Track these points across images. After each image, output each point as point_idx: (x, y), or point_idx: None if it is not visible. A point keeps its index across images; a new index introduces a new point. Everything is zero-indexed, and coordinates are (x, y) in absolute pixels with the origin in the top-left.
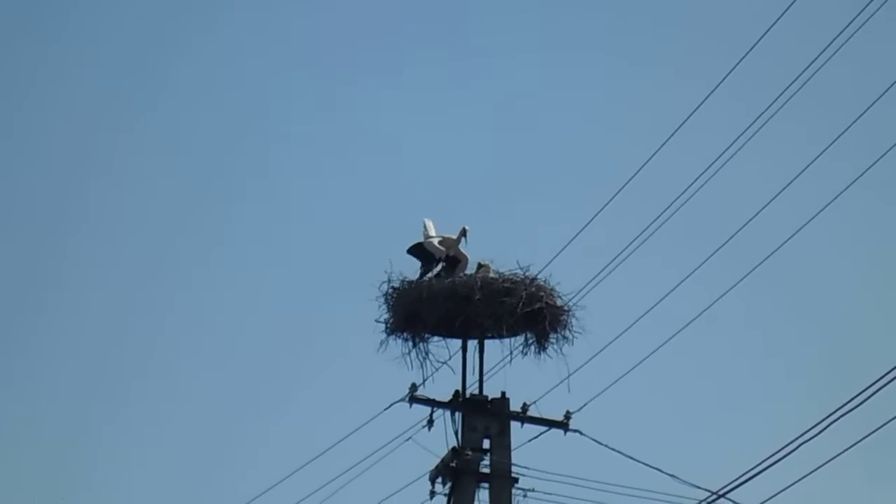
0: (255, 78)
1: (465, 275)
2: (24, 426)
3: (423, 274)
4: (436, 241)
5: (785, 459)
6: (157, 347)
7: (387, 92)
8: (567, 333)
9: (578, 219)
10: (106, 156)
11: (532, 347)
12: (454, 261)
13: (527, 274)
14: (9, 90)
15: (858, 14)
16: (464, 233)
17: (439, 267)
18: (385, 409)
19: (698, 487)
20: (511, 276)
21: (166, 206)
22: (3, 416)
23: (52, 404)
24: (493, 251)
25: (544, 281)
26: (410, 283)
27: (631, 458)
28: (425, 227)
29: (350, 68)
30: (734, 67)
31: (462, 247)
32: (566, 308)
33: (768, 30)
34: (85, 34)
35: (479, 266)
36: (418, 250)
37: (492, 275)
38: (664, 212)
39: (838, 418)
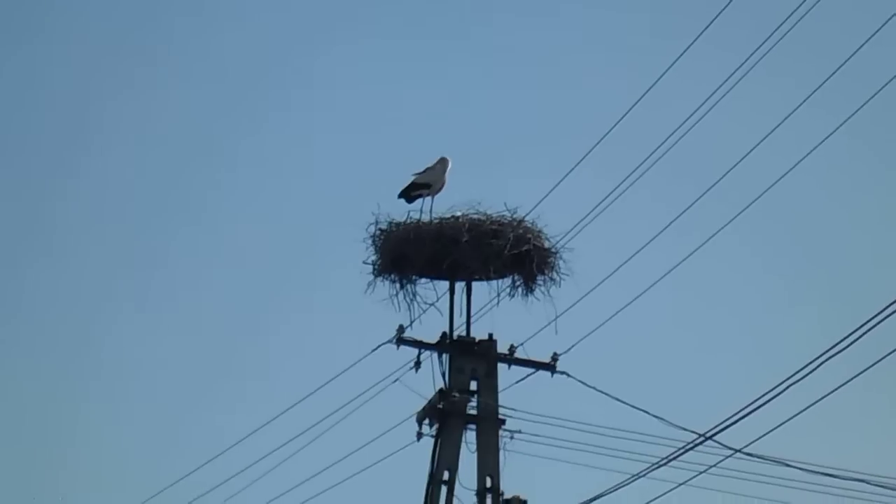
0: (253, 34)
1: (453, 217)
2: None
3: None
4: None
5: (773, 401)
6: (149, 291)
7: (376, 42)
8: (554, 275)
9: (566, 161)
10: (86, 137)
11: (519, 289)
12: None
13: (514, 216)
14: None
15: None
16: (443, 163)
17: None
18: (372, 351)
19: (686, 430)
20: (499, 218)
21: (162, 150)
22: None
23: (33, 383)
24: (482, 194)
25: (532, 223)
26: (398, 224)
27: (618, 399)
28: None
29: (344, 20)
30: (723, 9)
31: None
32: (553, 250)
33: None
34: (63, 21)
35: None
36: (411, 190)
37: (480, 216)
38: (652, 153)
39: (826, 360)
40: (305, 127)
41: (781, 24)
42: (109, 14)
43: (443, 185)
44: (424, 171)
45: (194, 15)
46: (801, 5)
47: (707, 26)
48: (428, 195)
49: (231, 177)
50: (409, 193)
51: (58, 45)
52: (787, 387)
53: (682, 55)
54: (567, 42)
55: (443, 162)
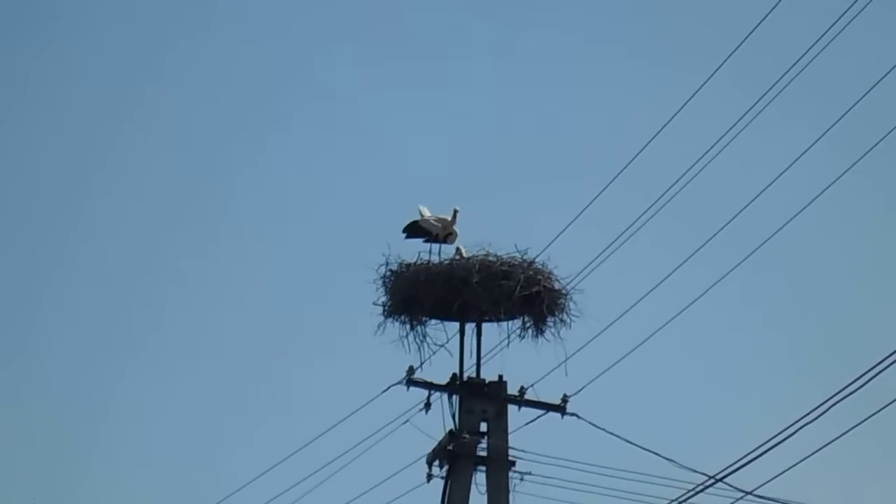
0: (254, 69)
1: (462, 257)
2: (18, 424)
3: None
4: (431, 219)
5: (784, 443)
6: (154, 327)
7: (386, 81)
8: (564, 317)
9: (576, 202)
10: (102, 151)
11: (529, 331)
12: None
13: (524, 257)
14: (5, 83)
15: (854, 2)
16: (455, 214)
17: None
18: (382, 392)
19: (696, 471)
20: (509, 260)
21: (169, 183)
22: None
23: (47, 397)
24: (492, 235)
25: (542, 264)
26: (408, 266)
27: (628, 441)
28: (420, 213)
29: (349, 60)
30: (732, 52)
31: (455, 228)
32: (564, 291)
33: (765, 17)
34: (81, 28)
35: (457, 249)
36: (414, 229)
37: (491, 258)
38: (662, 195)
39: (837, 402)
40: (314, 168)
41: (791, 68)
42: (116, 37)
43: (449, 235)
44: (433, 218)
45: (189, 64)
46: (805, 54)
47: (715, 70)
48: (433, 241)
49: (240, 215)
50: (411, 232)
51: (67, 60)
52: (799, 428)
53: (692, 98)
54: (576, 82)
55: (453, 215)
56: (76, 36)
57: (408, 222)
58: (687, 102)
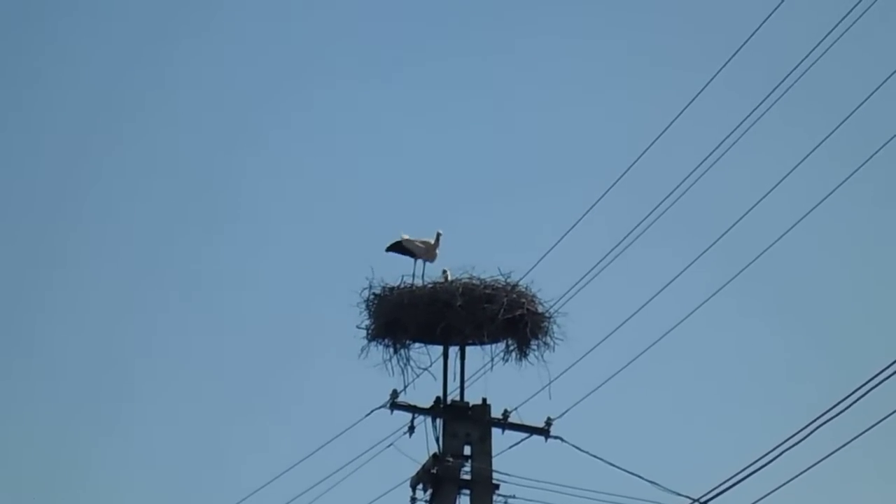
0: (241, 83)
1: (446, 280)
2: (21, 426)
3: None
4: (416, 242)
5: (767, 466)
6: (142, 351)
7: (370, 95)
8: (548, 340)
9: (560, 225)
10: (98, 157)
11: (513, 354)
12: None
13: (508, 280)
14: (5, 84)
15: (852, 9)
16: (438, 237)
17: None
18: (366, 416)
19: (679, 495)
20: (492, 283)
21: (152, 218)
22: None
23: (48, 402)
24: (475, 257)
25: (525, 287)
26: (392, 289)
27: (612, 464)
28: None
29: (334, 72)
30: (722, 67)
31: (437, 251)
32: (547, 314)
33: (760, 25)
34: (79, 32)
35: (444, 272)
36: (397, 248)
37: (473, 281)
38: (645, 219)
39: (820, 426)
40: (296, 190)
41: (789, 74)
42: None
43: (432, 258)
44: (417, 240)
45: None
46: (796, 67)
47: (712, 78)
48: (417, 259)
49: (224, 238)
50: (395, 250)
51: (68, 61)
52: (782, 452)
53: (674, 121)
54: (561, 101)
55: (436, 238)
56: (76, 36)
57: (392, 242)
58: (668, 126)
